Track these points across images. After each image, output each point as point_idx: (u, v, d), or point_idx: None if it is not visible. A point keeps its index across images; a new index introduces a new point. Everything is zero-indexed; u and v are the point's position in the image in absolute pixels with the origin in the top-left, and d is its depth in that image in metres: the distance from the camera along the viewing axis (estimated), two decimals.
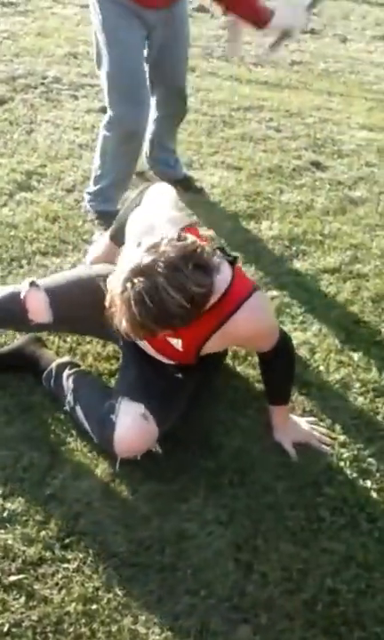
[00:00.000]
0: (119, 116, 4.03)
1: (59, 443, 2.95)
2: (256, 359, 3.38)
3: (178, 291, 2.36)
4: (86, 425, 2.95)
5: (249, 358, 3.43)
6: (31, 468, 2.84)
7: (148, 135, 4.55)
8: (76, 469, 2.85)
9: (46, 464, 2.86)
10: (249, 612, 2.48)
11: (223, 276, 2.63)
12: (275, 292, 3.92)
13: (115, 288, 2.43)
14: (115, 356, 3.32)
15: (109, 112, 4.08)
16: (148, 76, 4.07)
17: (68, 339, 3.42)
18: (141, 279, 2.36)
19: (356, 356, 3.57)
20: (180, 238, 2.46)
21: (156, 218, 2.77)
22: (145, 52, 4.06)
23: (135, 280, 2.36)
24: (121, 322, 2.45)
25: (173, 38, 4.10)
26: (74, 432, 2.98)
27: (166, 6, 3.92)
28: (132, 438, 2.81)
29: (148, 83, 4.03)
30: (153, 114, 4.46)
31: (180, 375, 2.98)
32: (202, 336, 2.76)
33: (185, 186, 4.64)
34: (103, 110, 4.24)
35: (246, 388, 3.33)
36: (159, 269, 2.35)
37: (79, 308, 3.04)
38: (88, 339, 3.42)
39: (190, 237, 2.50)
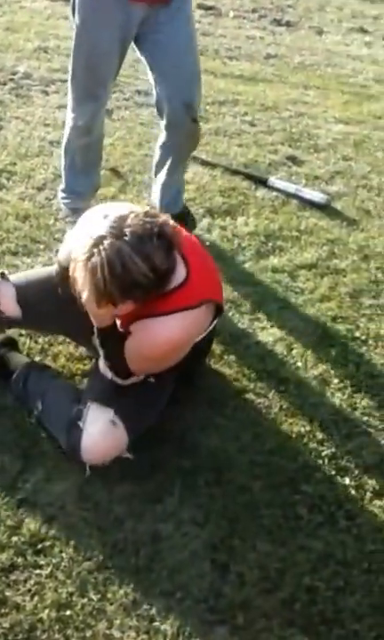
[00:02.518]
0: (73, 107, 3.97)
1: (31, 446, 2.90)
2: (231, 357, 3.37)
3: (143, 260, 2.42)
4: (54, 431, 2.90)
5: (225, 357, 3.40)
6: (2, 473, 2.79)
7: (154, 160, 4.30)
8: (49, 473, 2.81)
9: (18, 468, 2.81)
10: (226, 613, 2.45)
11: (176, 276, 2.65)
12: (251, 289, 3.89)
13: (79, 255, 2.47)
14: (88, 356, 3.28)
15: (68, 99, 4.02)
16: (156, 91, 3.90)
17: (40, 339, 3.38)
18: (107, 246, 2.40)
19: (333, 351, 3.55)
20: (147, 214, 2.52)
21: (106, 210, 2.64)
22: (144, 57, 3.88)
23: (101, 247, 2.41)
24: (83, 291, 2.49)
25: (173, 42, 3.78)
26: (46, 435, 2.94)
27: (162, 2, 3.64)
28: (99, 446, 2.76)
29: (111, 81, 3.90)
30: (161, 137, 4.17)
31: (152, 379, 2.90)
32: (133, 317, 2.72)
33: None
34: None
35: (223, 387, 3.29)
36: (125, 238, 2.41)
37: (48, 304, 3.04)
38: (61, 339, 3.38)
39: (157, 214, 2.58)
